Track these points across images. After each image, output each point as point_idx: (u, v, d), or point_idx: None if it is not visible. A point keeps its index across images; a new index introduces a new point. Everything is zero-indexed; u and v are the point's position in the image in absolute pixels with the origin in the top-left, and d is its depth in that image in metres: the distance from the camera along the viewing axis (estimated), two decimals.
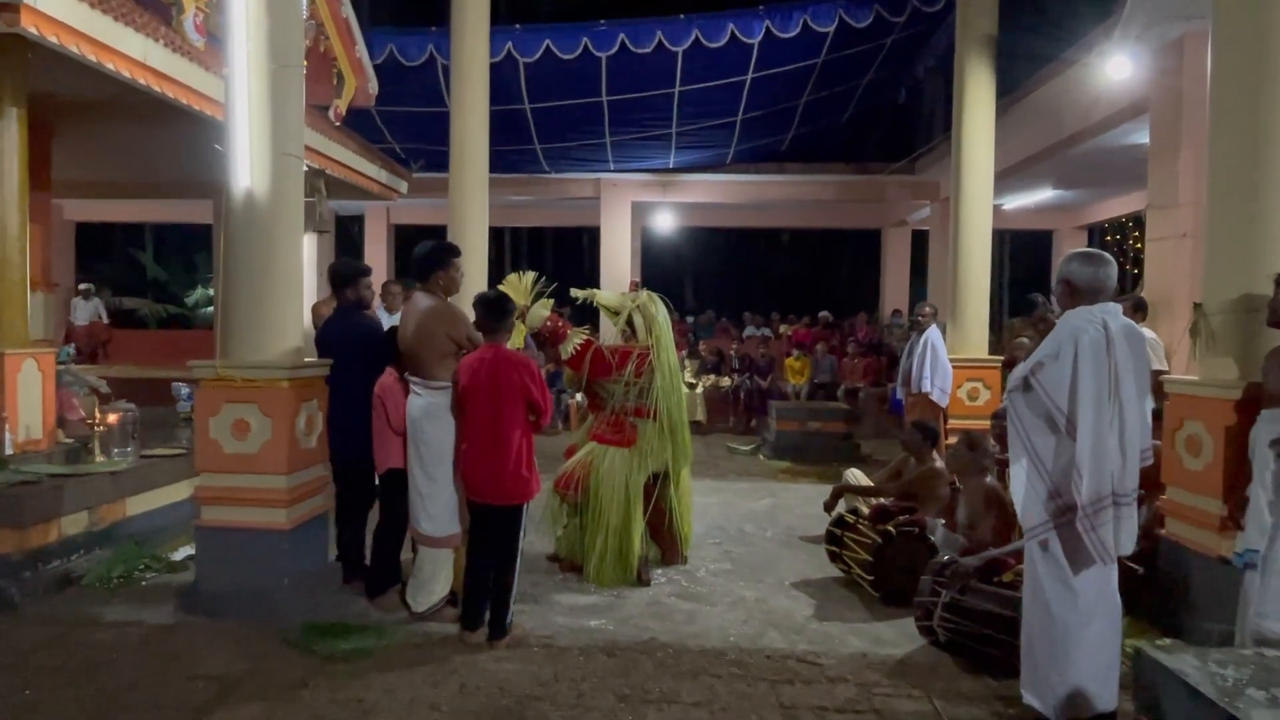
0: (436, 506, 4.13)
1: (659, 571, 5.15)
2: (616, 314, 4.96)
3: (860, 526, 4.92)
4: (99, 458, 5.24)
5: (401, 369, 4.43)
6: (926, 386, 7.46)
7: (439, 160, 9.82)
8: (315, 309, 6.62)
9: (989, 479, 4.50)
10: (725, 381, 12.36)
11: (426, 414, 4.11)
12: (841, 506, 5.43)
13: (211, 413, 4.28)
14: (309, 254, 10.82)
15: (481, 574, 3.99)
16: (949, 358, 7.68)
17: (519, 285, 4.90)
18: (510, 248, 25.07)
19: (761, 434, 10.85)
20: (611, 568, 4.84)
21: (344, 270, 4.72)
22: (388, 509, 4.52)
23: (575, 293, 5.05)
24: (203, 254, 17.82)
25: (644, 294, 5.00)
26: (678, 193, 13.62)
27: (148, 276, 18.44)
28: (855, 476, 5.78)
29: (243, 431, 4.26)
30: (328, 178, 8.13)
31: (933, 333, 7.58)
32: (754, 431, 11.75)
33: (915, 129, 13.86)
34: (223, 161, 4.25)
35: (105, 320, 12.73)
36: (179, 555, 5.23)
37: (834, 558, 5.10)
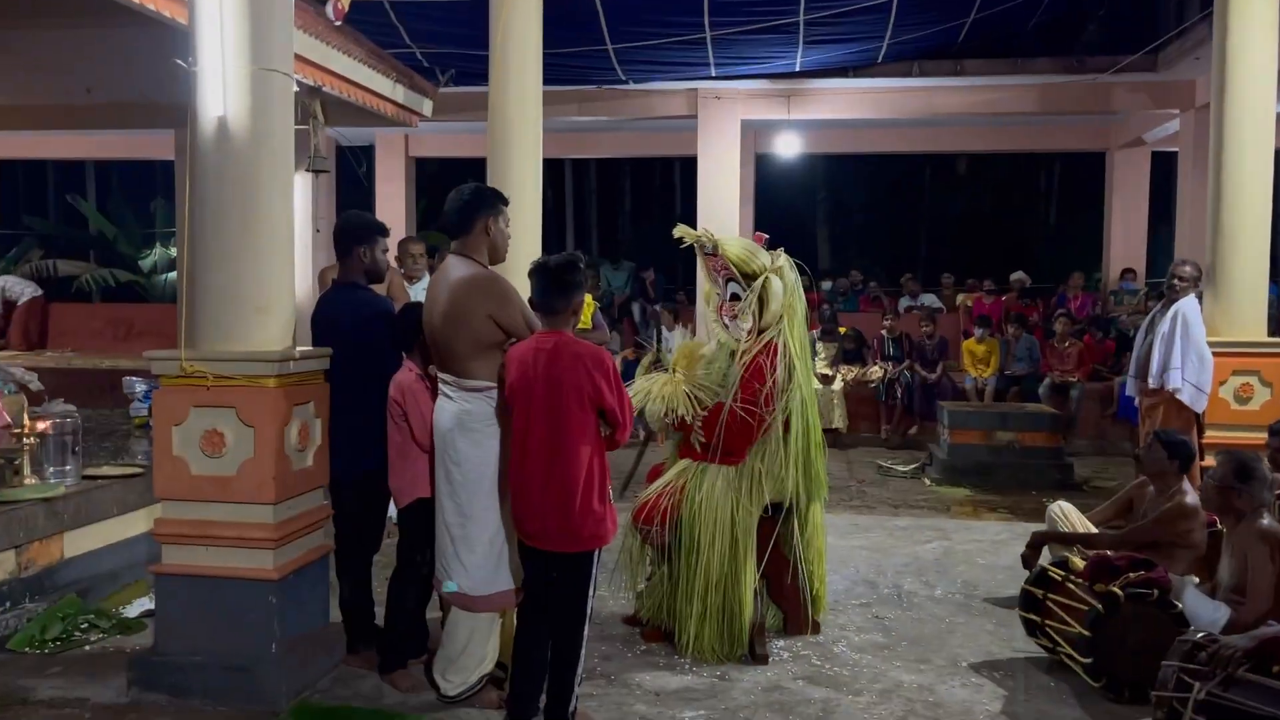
0: (475, 555, 4.22)
1: (779, 644, 5.17)
2: (743, 277, 5.00)
3: (1072, 586, 4.85)
4: (28, 479, 5.38)
5: (426, 362, 4.53)
6: (1174, 382, 7.05)
7: (474, 70, 9.93)
8: (323, 277, 6.80)
9: (1265, 520, 4.39)
10: (874, 373, 12.29)
11: (461, 426, 4.20)
12: (1045, 557, 5.34)
13: (175, 420, 4.41)
14: (302, 201, 11.18)
15: (536, 645, 4.06)
16: (1208, 340, 7.27)
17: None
18: (572, 189, 25.38)
19: (927, 448, 10.79)
20: (714, 637, 4.88)
21: (350, 226, 4.85)
22: (408, 554, 4.64)
23: (684, 231, 5.09)
24: (161, 202, 18.52)
25: (782, 257, 5.00)
26: (807, 106, 13.48)
27: (90, 232, 19.28)
28: (1064, 513, 5.66)
29: (216, 446, 4.38)
30: (325, 98, 8.32)
31: (1187, 305, 7.10)
32: (916, 445, 11.63)
33: (1157, 6, 13.37)
34: (186, 80, 4.36)
35: (31, 295, 13.28)
36: (133, 610, 5.46)
37: (1033, 629, 5.05)
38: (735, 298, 5.06)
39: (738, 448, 4.86)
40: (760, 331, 5.00)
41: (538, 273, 4.06)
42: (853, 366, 12.48)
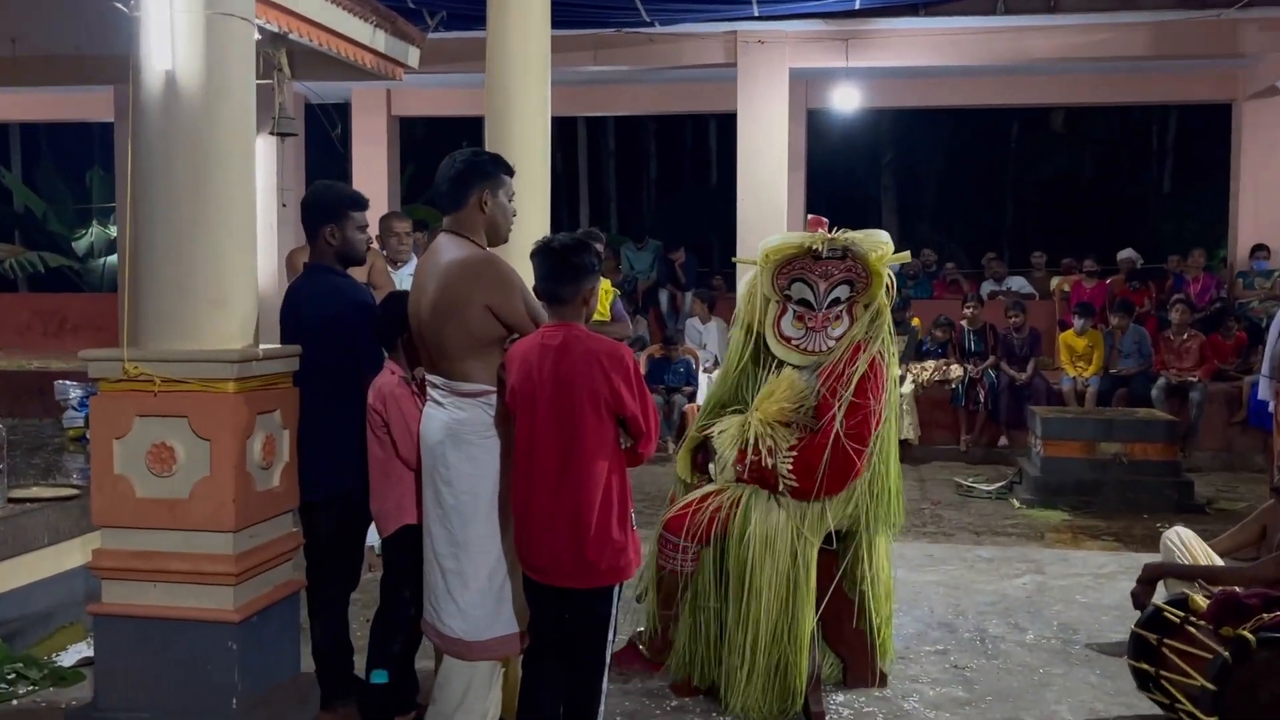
0: (471, 592, 4.22)
1: (838, 699, 5.15)
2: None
3: (1193, 630, 4.81)
4: None
5: (413, 363, 4.56)
6: None
7: (469, 12, 9.95)
8: (292, 260, 6.85)
9: None
10: (953, 372, 12.29)
11: (454, 438, 4.21)
12: (1160, 594, 5.30)
13: (117, 432, 4.42)
14: (266, 170, 11.24)
15: (545, 700, 4.07)
16: None
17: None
18: (586, 153, 25.45)
19: (1015, 463, 10.81)
20: (762, 692, 4.87)
21: (319, 200, 4.85)
22: (393, 591, 4.66)
23: (796, 241, 5.18)
24: (99, 172, 18.66)
25: (870, 236, 5.11)
26: (868, 52, 13.43)
27: (14, 208, 19.45)
28: (1183, 541, 5.63)
29: (165, 463, 4.39)
30: (292, 46, 8.34)
31: None
32: (1002, 459, 11.61)
33: None
34: (127, 27, 4.37)
35: None
36: (69, 658, 5.48)
37: (1145, 681, 5.01)
38: (837, 302, 5.14)
39: (838, 486, 4.87)
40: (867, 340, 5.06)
41: (542, 254, 4.09)
42: (925, 364, 12.45)
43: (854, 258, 5.08)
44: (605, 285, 7.12)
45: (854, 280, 5.11)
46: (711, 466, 5.21)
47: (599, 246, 6.82)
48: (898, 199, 24.41)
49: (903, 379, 12.05)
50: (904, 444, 11.10)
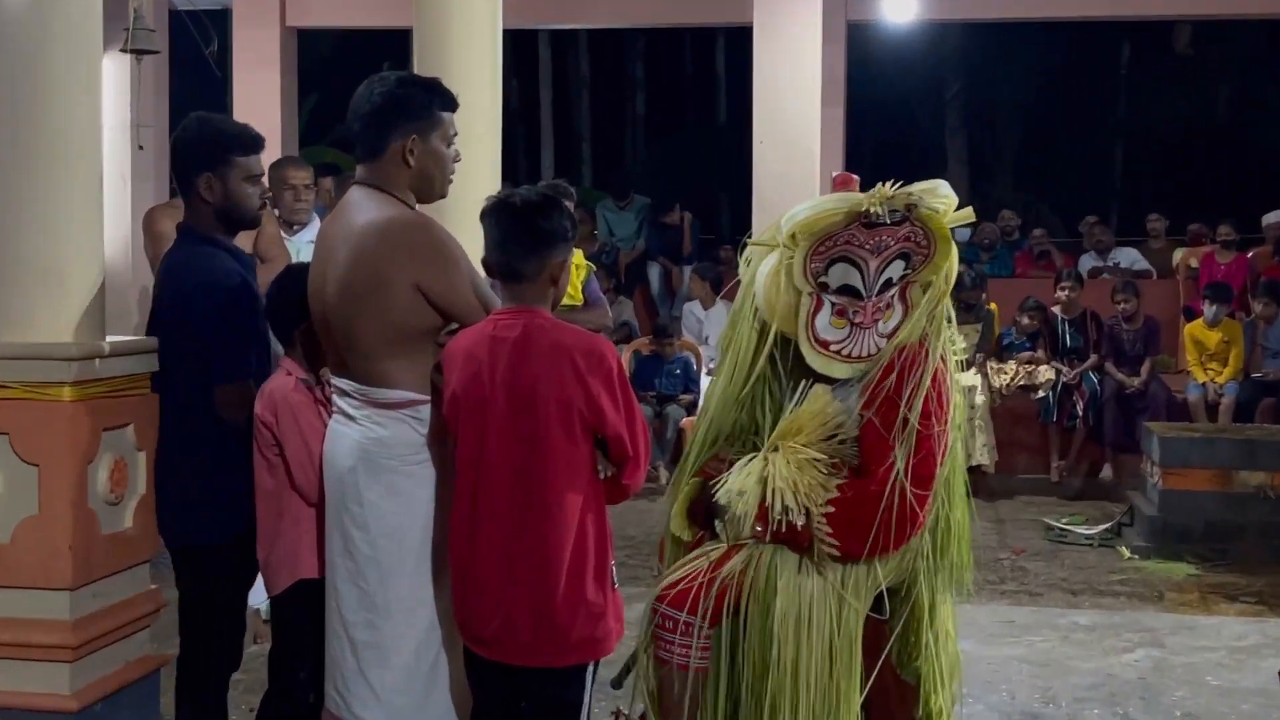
0: (390, 673, 4.18)
1: None
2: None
3: None
4: None
5: (315, 363, 4.56)
6: None
7: None
8: (153, 222, 6.81)
9: None
10: (1041, 375, 12.22)
11: (369, 463, 4.19)
12: None
13: None
14: (117, 101, 11.13)
15: None
16: None
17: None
18: (552, 80, 25.34)
19: (1125, 498, 10.74)
20: None
21: (196, 140, 4.81)
22: (285, 669, 4.62)
23: (753, 248, 5.02)
24: None
25: (930, 189, 4.84)
26: None
27: None
28: None
29: None
30: None
31: None
32: (1107, 493, 11.60)
33: None
34: None
35: None
36: None
37: None
38: (889, 285, 4.89)
39: (896, 543, 4.65)
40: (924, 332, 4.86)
41: (496, 215, 4.08)
42: (1004, 365, 12.41)
43: (917, 220, 4.80)
44: (577, 258, 7.05)
45: (911, 253, 4.85)
46: (718, 523, 5.01)
47: (567, 202, 6.81)
48: (967, 145, 24.37)
49: (974, 384, 11.91)
50: (974, 471, 10.92)
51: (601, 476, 4.06)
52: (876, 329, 4.79)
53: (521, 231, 4.04)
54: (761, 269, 4.94)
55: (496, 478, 3.99)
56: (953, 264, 4.87)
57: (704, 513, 4.97)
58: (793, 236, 4.81)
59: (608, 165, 24.74)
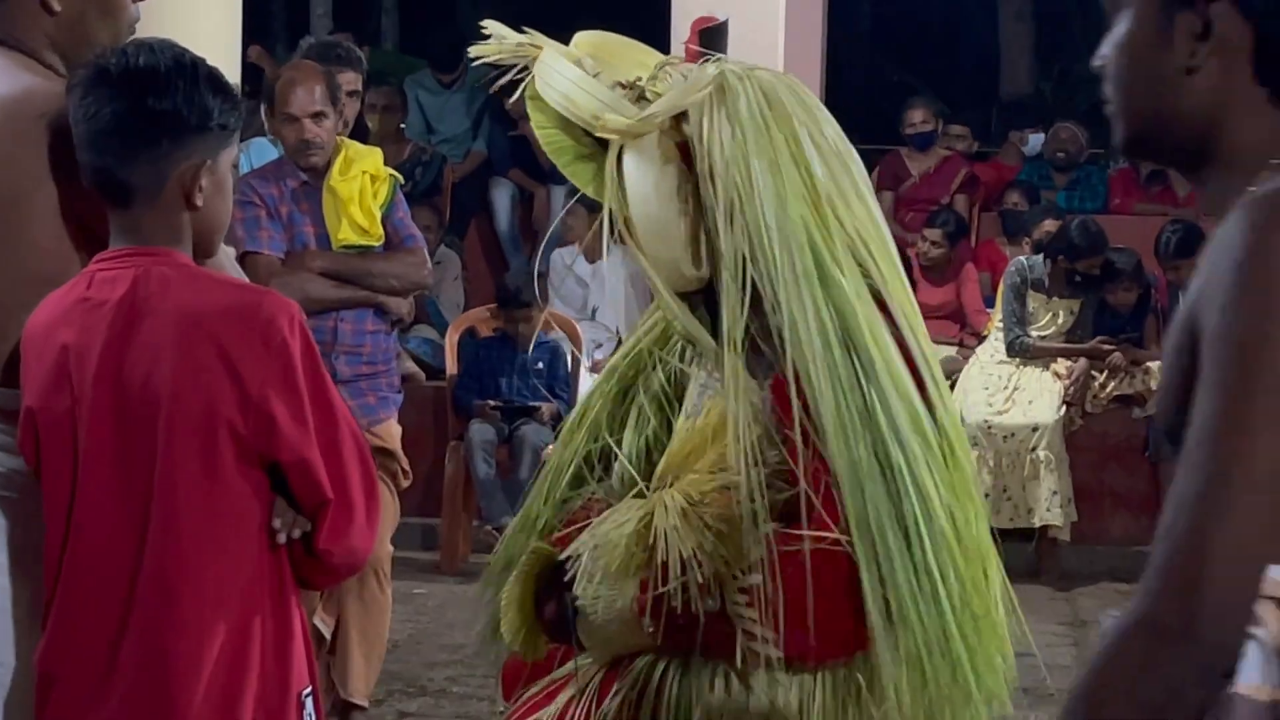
0: None
1: None
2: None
3: None
4: None
5: None
6: None
7: None
8: None
9: None
10: (1155, 378, 10.30)
11: None
12: None
13: None
14: None
15: None
16: None
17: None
18: None
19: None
20: None
21: None
22: None
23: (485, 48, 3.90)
24: None
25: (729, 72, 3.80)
26: None
27: None
28: None
29: None
30: None
31: None
32: None
33: None
34: None
35: None
36: None
37: None
38: None
39: (848, 645, 3.59)
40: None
41: (86, 93, 3.29)
42: (1093, 371, 10.26)
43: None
44: (373, 165, 6.20)
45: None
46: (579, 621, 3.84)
47: (347, 76, 6.06)
48: (1035, 31, 22.91)
49: (1072, 401, 9.98)
50: (1042, 537, 9.52)
51: (281, 539, 3.20)
52: None
53: (125, 116, 3.26)
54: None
55: (91, 541, 3.22)
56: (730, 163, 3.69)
57: (556, 610, 3.73)
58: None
59: (425, 16, 19.92)
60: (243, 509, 3.17)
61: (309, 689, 3.33)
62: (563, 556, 3.55)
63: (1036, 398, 9.85)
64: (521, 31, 3.81)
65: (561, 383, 9.64)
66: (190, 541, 3.15)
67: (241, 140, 5.26)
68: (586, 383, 9.00)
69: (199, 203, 3.28)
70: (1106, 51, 2.07)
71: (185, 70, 3.29)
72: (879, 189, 12.36)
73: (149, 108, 3.20)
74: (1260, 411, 1.72)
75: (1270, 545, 1.72)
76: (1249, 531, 1.73)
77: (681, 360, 3.86)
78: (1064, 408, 9.80)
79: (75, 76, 3.34)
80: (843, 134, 3.58)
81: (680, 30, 9.99)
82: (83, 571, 3.22)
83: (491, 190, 12.58)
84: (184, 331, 3.14)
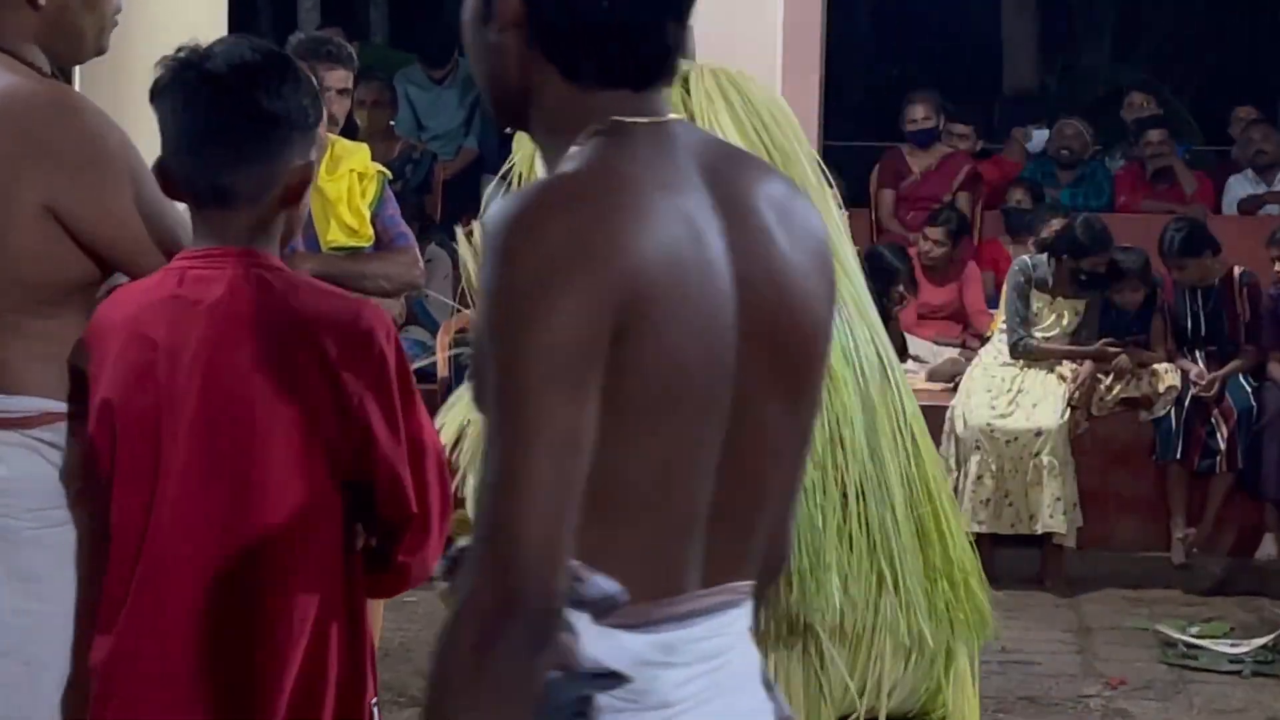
0: None
1: None
2: None
3: None
4: None
5: None
6: None
7: None
8: None
9: None
10: (1165, 379, 10.09)
11: None
12: None
13: None
14: None
15: None
16: None
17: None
18: None
19: None
20: None
21: None
22: None
23: None
24: None
25: None
26: None
27: None
28: None
29: None
30: None
31: None
32: (1263, 583, 9.73)
33: None
34: None
35: None
36: None
37: None
38: None
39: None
40: None
41: (180, 90, 3.12)
42: (1098, 373, 10.10)
43: None
44: (360, 163, 6.17)
45: None
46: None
47: (338, 74, 5.94)
48: (1038, 24, 22.70)
49: (1078, 405, 9.84)
50: (1047, 545, 9.37)
51: (356, 546, 3.24)
52: None
53: (230, 116, 3.13)
54: None
55: (176, 550, 3.09)
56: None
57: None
58: None
59: (416, 10, 20.39)
60: (329, 517, 3.13)
61: (376, 698, 3.33)
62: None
63: (1041, 401, 9.65)
64: None
65: None
66: (278, 549, 3.12)
67: None
68: None
69: (303, 208, 3.29)
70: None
71: (288, 68, 3.22)
72: (880, 187, 12.74)
73: (263, 110, 3.09)
74: (529, 386, 1.77)
75: (565, 502, 1.79)
76: (543, 501, 1.79)
77: None
78: (1069, 411, 9.60)
79: (164, 72, 3.16)
80: None
81: None
82: (161, 573, 3.13)
83: (484, 188, 12.48)
84: (283, 337, 3.10)
